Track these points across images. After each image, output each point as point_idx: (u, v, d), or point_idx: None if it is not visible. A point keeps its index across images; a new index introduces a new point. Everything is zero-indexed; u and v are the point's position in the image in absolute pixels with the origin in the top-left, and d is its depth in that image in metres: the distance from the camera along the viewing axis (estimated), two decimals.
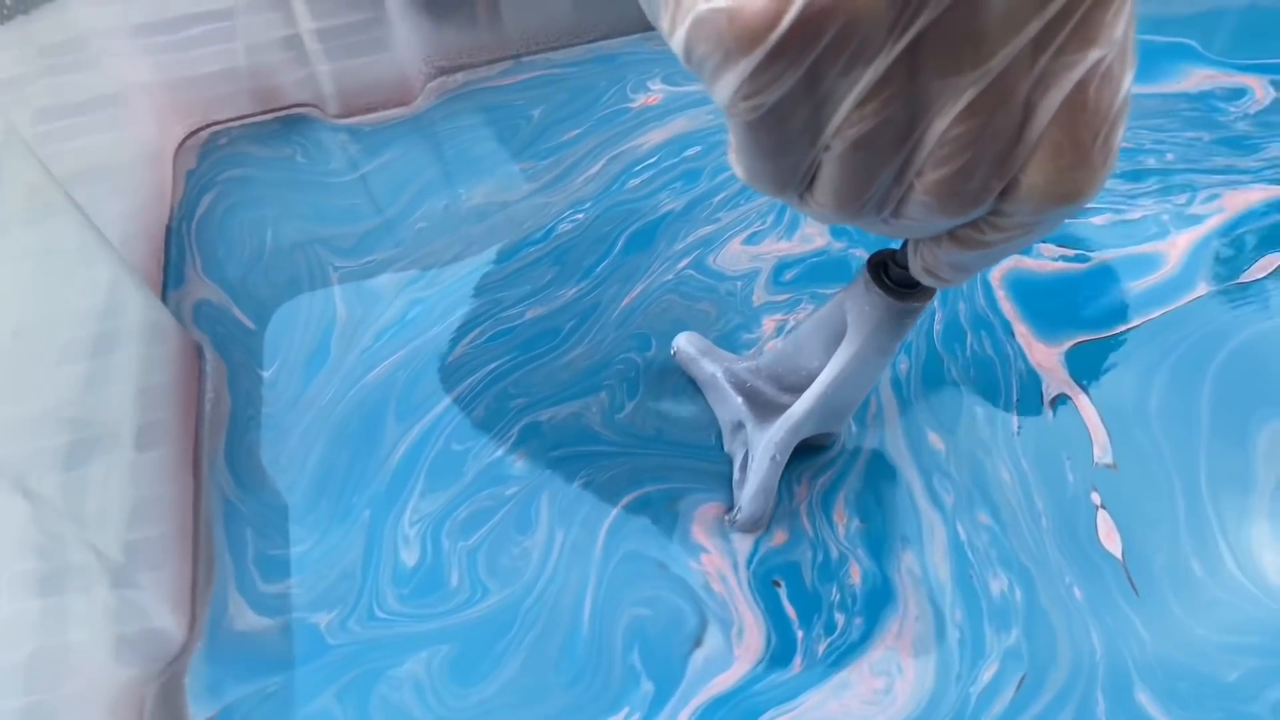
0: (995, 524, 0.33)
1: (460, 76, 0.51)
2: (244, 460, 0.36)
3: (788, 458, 0.33)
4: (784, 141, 0.21)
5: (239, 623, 0.32)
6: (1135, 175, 0.43)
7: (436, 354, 0.39)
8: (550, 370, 0.38)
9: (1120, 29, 0.19)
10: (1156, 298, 0.39)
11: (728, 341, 0.38)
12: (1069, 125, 0.20)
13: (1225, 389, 0.36)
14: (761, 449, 0.33)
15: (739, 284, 0.40)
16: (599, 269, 0.41)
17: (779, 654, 0.31)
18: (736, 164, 0.23)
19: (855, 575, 0.33)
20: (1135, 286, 0.39)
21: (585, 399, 0.38)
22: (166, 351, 0.38)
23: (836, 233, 0.42)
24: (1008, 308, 0.39)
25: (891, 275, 0.29)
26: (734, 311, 0.40)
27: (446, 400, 0.38)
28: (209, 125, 0.49)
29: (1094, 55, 0.19)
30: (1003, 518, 0.33)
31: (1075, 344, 0.38)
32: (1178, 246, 0.40)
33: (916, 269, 0.26)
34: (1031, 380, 0.37)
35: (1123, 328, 0.38)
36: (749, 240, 0.42)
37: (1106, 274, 0.40)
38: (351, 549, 0.34)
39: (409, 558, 0.34)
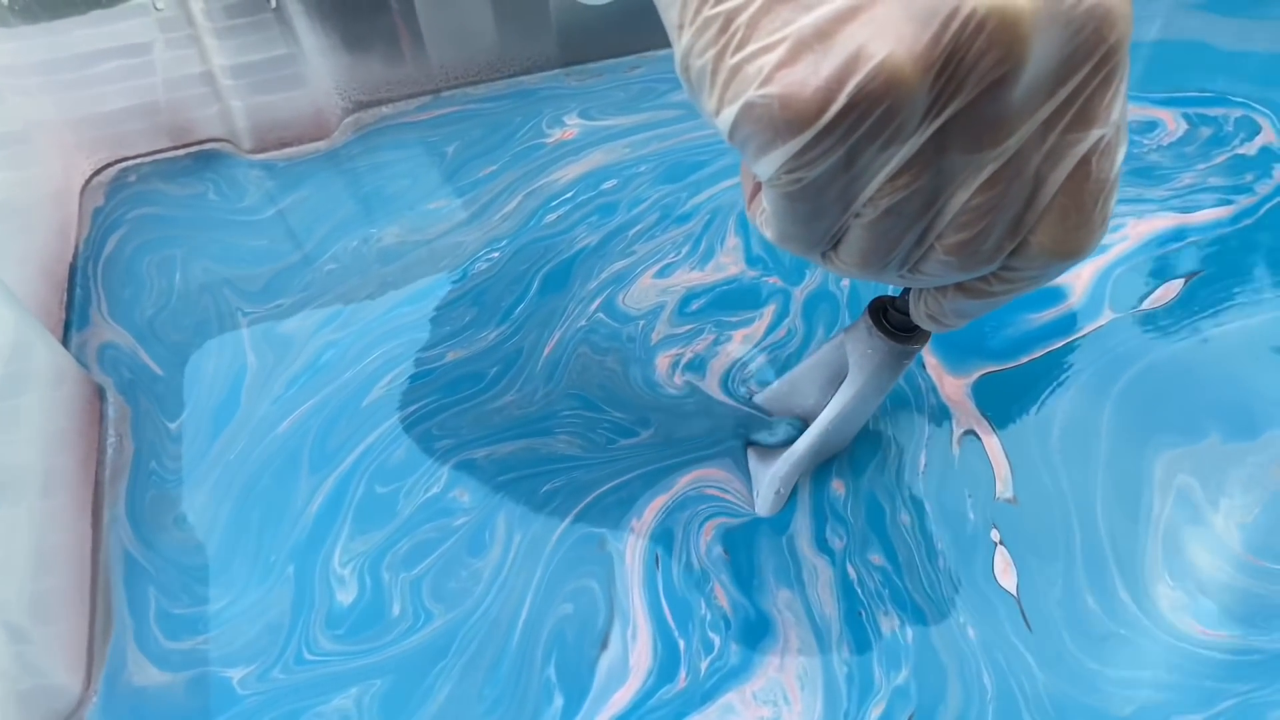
0: (889, 565, 0.34)
1: (378, 111, 0.51)
2: (147, 516, 0.36)
3: (790, 488, 0.35)
4: (819, 209, 0.23)
5: (139, 678, 0.32)
6: None
7: (352, 398, 0.38)
8: (481, 414, 0.38)
9: (1116, 111, 0.22)
10: (1062, 327, 0.40)
11: (634, 394, 0.38)
12: (1074, 193, 0.23)
13: (1125, 417, 0.37)
14: (766, 484, 0.35)
15: (641, 324, 0.40)
16: (517, 311, 0.41)
17: (665, 665, 0.32)
18: (766, 227, 0.26)
19: (721, 598, 0.33)
20: (1042, 316, 0.40)
21: (530, 439, 0.38)
22: (66, 395, 0.37)
23: (751, 261, 0.43)
24: None
25: (891, 320, 0.31)
26: (633, 361, 0.40)
27: (363, 445, 0.37)
28: (118, 161, 0.48)
29: (1095, 134, 0.22)
30: (898, 559, 0.34)
31: (982, 375, 0.39)
32: (1083, 276, 0.41)
33: (919, 316, 0.28)
34: (942, 414, 0.37)
35: (1027, 358, 0.39)
36: (661, 272, 0.42)
37: (1014, 304, 0.41)
38: (276, 604, 0.33)
39: (345, 597, 0.33)
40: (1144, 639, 0.32)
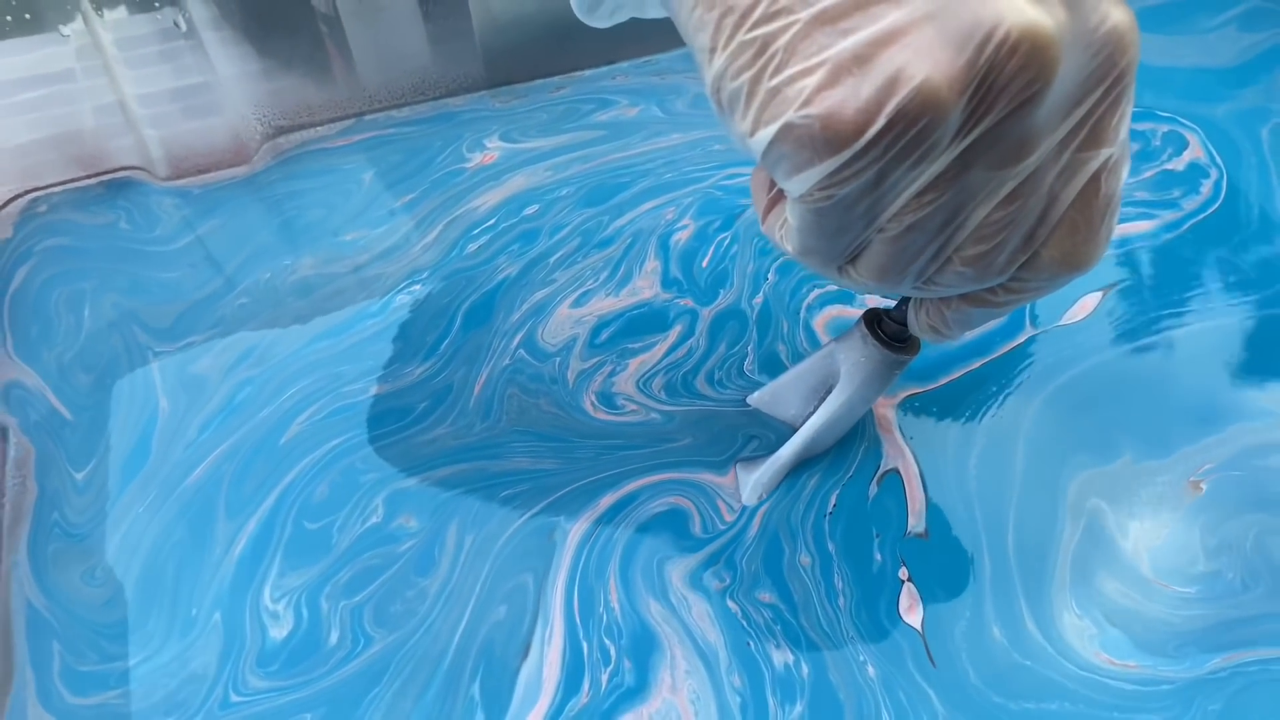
0: (783, 604, 0.33)
1: (299, 136, 0.50)
2: (50, 569, 0.35)
3: (773, 490, 0.36)
4: (844, 225, 0.24)
5: None
6: None
7: (268, 437, 0.38)
8: (409, 446, 0.38)
9: (1124, 131, 0.23)
10: (982, 345, 0.40)
11: (580, 426, 0.38)
12: (1083, 208, 0.24)
13: (1042, 438, 0.37)
14: (750, 489, 0.36)
15: (557, 361, 0.40)
16: (442, 346, 0.41)
17: (571, 676, 0.32)
18: (787, 241, 0.27)
19: (615, 601, 0.34)
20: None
21: (480, 461, 0.37)
22: None
23: (666, 284, 0.43)
24: None
25: (885, 330, 0.33)
26: (564, 404, 0.39)
27: (283, 484, 0.37)
28: (28, 192, 0.47)
29: (1105, 152, 0.23)
30: (793, 599, 0.34)
31: (906, 396, 0.39)
32: None
33: (920, 326, 0.30)
34: (874, 446, 0.37)
35: (947, 378, 0.39)
36: (577, 302, 0.42)
37: None
38: (201, 654, 0.33)
39: (279, 631, 0.33)
40: (1050, 670, 0.32)
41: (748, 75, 0.22)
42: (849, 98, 0.21)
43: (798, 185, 0.23)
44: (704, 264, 0.43)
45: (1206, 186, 0.46)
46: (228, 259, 0.44)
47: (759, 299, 0.41)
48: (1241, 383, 0.38)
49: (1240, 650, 0.32)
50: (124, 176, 0.48)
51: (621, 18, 0.28)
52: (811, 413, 0.35)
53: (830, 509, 0.36)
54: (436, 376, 0.40)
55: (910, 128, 0.21)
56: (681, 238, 0.44)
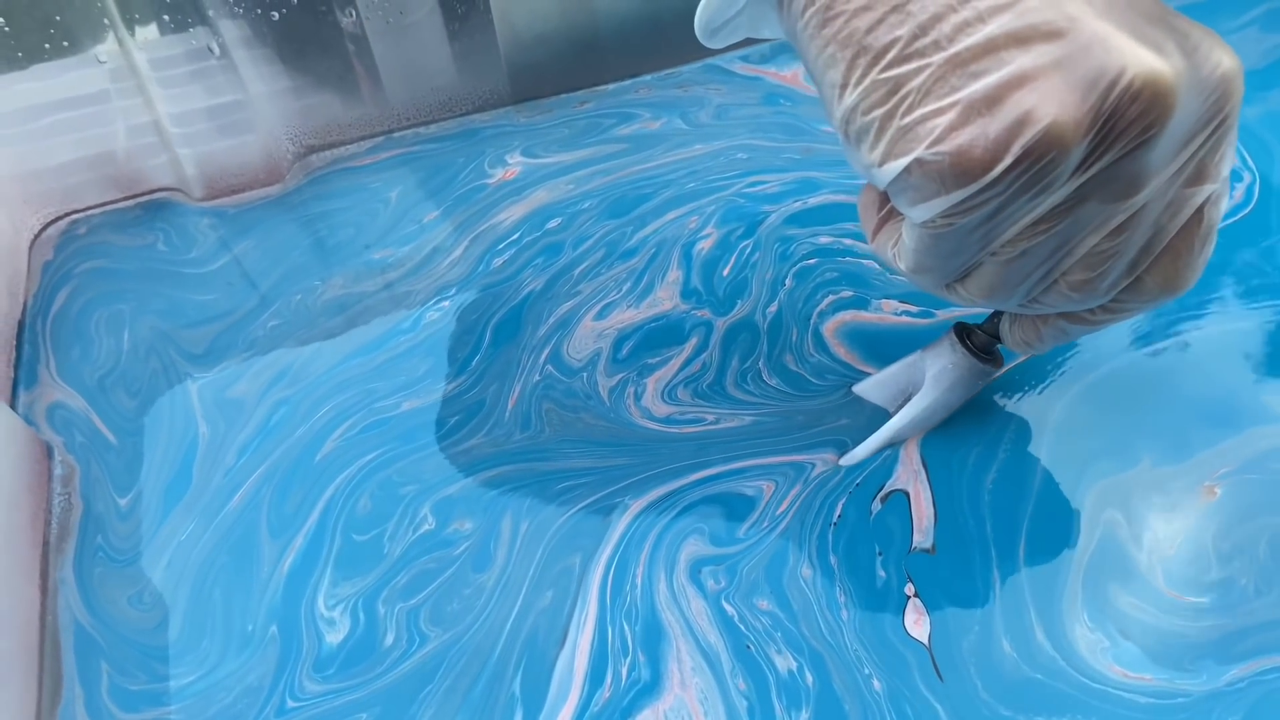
0: (781, 611, 0.34)
1: (329, 154, 0.51)
2: (97, 590, 0.36)
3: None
4: (959, 248, 0.26)
5: None
6: None
7: (304, 456, 0.39)
8: (443, 459, 0.39)
9: (1225, 169, 0.25)
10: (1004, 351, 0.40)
11: (638, 432, 0.39)
12: (1186, 237, 0.26)
13: (1061, 446, 0.37)
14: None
15: (584, 377, 0.41)
16: (473, 363, 0.42)
17: (597, 668, 0.33)
18: (902, 259, 0.28)
19: (640, 580, 0.35)
20: None
21: (529, 463, 0.38)
22: (14, 454, 0.37)
23: (686, 294, 0.43)
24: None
25: (975, 341, 0.35)
26: (605, 418, 0.40)
27: (324, 501, 0.38)
28: (67, 214, 0.49)
29: (1209, 188, 0.25)
30: (792, 608, 0.34)
31: None
32: None
33: (1014, 341, 0.32)
34: (892, 460, 0.38)
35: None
36: (600, 314, 0.43)
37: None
38: (260, 664, 0.34)
39: (335, 636, 0.34)
40: (1061, 683, 0.31)
41: (879, 112, 0.24)
42: (979, 136, 0.23)
43: (921, 213, 0.25)
44: (725, 273, 0.44)
45: (1239, 191, 0.45)
46: (262, 279, 0.45)
47: (774, 307, 0.42)
48: (1262, 385, 0.38)
49: (1257, 659, 0.32)
50: (161, 198, 0.49)
51: (735, 39, 0.30)
52: (892, 415, 0.37)
53: (835, 518, 0.36)
54: (469, 392, 0.41)
55: (1035, 164, 0.23)
56: (704, 247, 0.45)
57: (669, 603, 0.34)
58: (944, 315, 0.41)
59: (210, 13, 0.45)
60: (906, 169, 0.24)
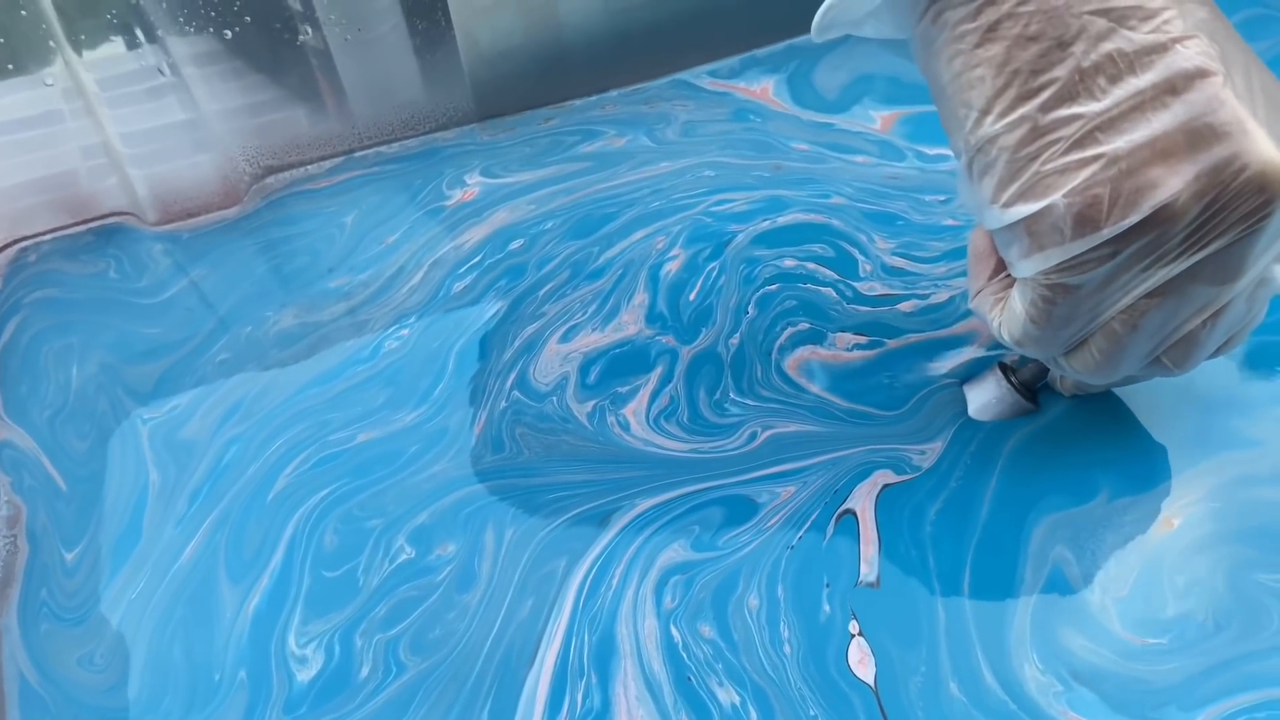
0: (723, 640, 0.32)
1: (287, 175, 0.50)
2: (44, 649, 0.34)
3: None
4: (1071, 316, 0.27)
5: None
6: (958, 253, 0.43)
7: (256, 496, 0.38)
8: (406, 489, 0.37)
9: None
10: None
11: (616, 461, 0.38)
12: (1263, 304, 0.28)
13: (1013, 478, 0.36)
14: None
15: (554, 401, 0.40)
16: (436, 392, 0.41)
17: (556, 692, 0.32)
18: (1008, 328, 0.29)
19: (614, 586, 0.34)
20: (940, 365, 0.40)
21: (493, 481, 0.37)
22: None
23: (650, 319, 0.42)
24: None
25: (1020, 378, 0.35)
26: (589, 439, 0.39)
27: (284, 541, 0.36)
28: (16, 241, 0.47)
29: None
30: (733, 638, 0.32)
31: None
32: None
33: (1062, 386, 0.34)
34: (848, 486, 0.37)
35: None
36: (565, 337, 0.42)
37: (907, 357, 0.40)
38: (228, 715, 0.32)
39: (306, 674, 0.33)
40: None
41: (1022, 151, 0.25)
42: (1109, 194, 0.24)
43: (1036, 264, 0.26)
44: (691, 297, 0.43)
45: None
46: (214, 309, 0.44)
47: (736, 339, 0.41)
48: (1229, 411, 0.37)
49: (1221, 701, 0.30)
50: (113, 222, 0.48)
51: (837, 35, 0.29)
52: None
53: (795, 541, 0.35)
54: (430, 420, 0.40)
55: (1150, 232, 0.24)
56: (671, 269, 0.44)
57: (629, 614, 0.33)
58: (893, 344, 0.40)
59: (160, 31, 0.44)
60: (1037, 214, 0.25)
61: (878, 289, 0.42)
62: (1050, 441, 0.37)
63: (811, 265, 0.43)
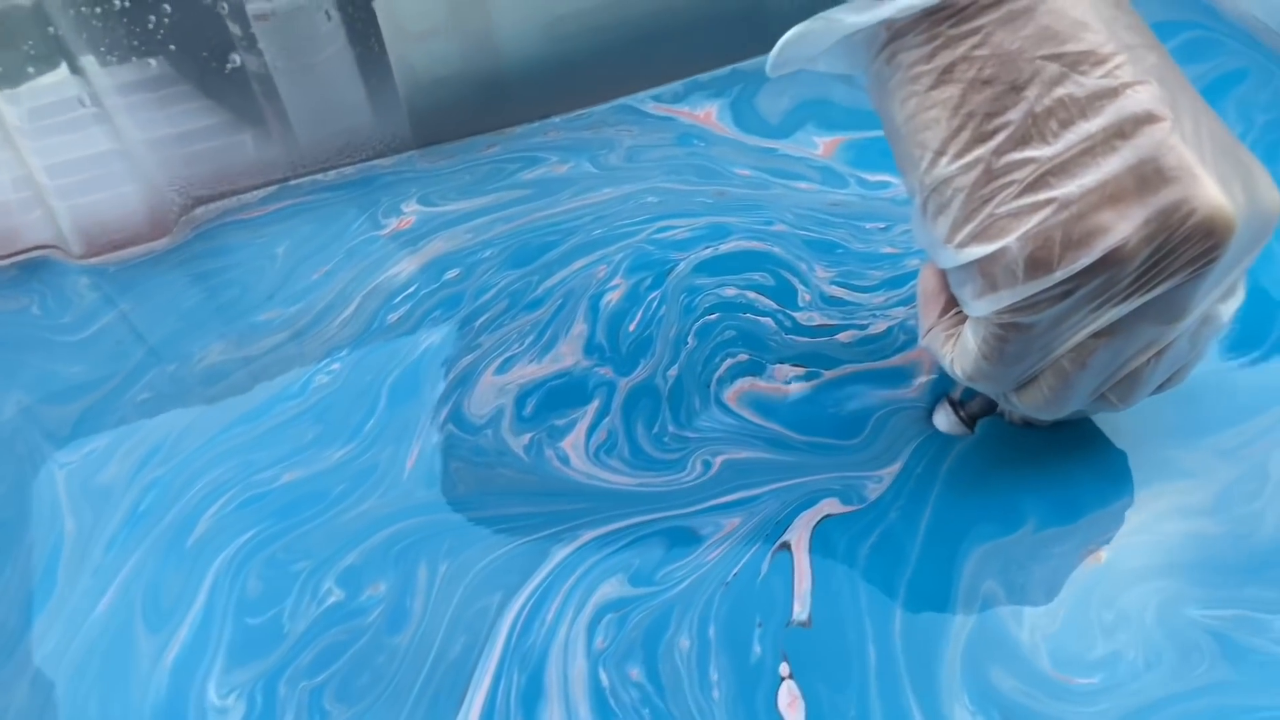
0: (650, 685, 0.31)
1: (219, 205, 0.49)
2: None
3: None
4: (1022, 353, 0.28)
5: None
6: (896, 282, 0.42)
7: (175, 542, 0.36)
8: (333, 529, 0.36)
9: (1243, 281, 0.28)
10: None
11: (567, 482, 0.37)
12: (1208, 343, 0.29)
13: (949, 503, 0.35)
14: None
15: (490, 434, 0.39)
16: (366, 427, 0.39)
17: None
18: (959, 364, 0.30)
19: (549, 619, 0.33)
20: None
21: (425, 517, 0.36)
22: None
23: (588, 351, 0.41)
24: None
25: (967, 410, 0.36)
26: (528, 470, 0.38)
27: (205, 588, 0.35)
28: None
29: (1234, 304, 0.28)
30: (661, 681, 0.31)
31: None
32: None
33: (1012, 419, 0.35)
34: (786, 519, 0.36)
35: (862, 435, 0.38)
36: (501, 368, 0.41)
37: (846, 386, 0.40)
38: None
39: None
40: None
41: (978, 193, 0.25)
42: (1062, 237, 0.24)
43: (989, 304, 0.26)
44: (631, 328, 0.42)
45: None
46: (138, 345, 0.43)
47: (674, 370, 0.40)
48: (1161, 443, 0.36)
49: None
50: (38, 256, 0.47)
51: (791, 70, 0.29)
52: None
53: (731, 576, 0.34)
54: (360, 457, 0.38)
55: (1101, 273, 0.25)
56: (612, 299, 0.43)
57: (559, 654, 0.32)
58: (829, 374, 0.40)
59: (81, 62, 0.43)
60: (990, 256, 0.25)
61: (816, 319, 0.41)
62: (984, 467, 0.36)
63: (752, 294, 0.42)
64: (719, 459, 0.38)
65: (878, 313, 0.41)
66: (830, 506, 0.36)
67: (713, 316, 0.42)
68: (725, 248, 0.45)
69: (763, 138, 0.50)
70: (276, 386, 0.41)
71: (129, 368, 0.42)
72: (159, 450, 0.39)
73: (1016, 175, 0.25)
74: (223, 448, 0.39)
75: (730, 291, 0.43)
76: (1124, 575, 0.33)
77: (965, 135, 0.25)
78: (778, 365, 0.40)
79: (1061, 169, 0.25)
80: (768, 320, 0.42)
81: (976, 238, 0.26)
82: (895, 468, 0.37)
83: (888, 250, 0.44)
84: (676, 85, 0.54)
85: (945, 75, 0.25)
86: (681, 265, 0.44)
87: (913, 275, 0.42)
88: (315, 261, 0.46)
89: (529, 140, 0.52)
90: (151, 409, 0.41)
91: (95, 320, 0.44)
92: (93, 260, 0.47)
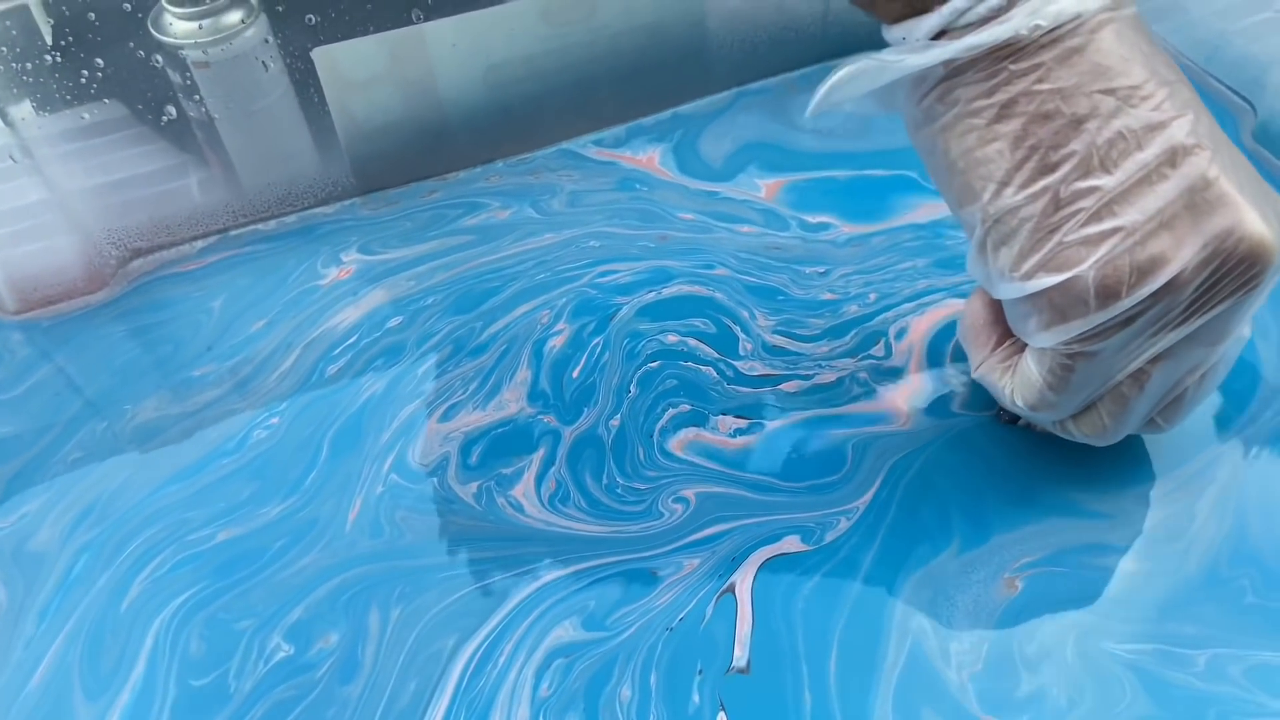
0: None
1: (157, 257, 0.48)
2: None
3: None
4: (1087, 381, 0.29)
5: None
6: (838, 331, 0.42)
7: (109, 606, 0.35)
8: (274, 585, 0.36)
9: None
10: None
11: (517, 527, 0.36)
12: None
13: (898, 529, 0.35)
14: None
15: (435, 482, 0.38)
16: (307, 481, 0.39)
17: None
18: (1021, 394, 0.31)
19: (500, 664, 0.33)
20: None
21: (373, 565, 0.36)
22: None
23: (532, 398, 0.41)
24: None
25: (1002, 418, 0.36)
26: (479, 518, 0.37)
27: (144, 653, 0.34)
28: None
29: (1245, 334, 0.30)
30: None
31: None
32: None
33: (1054, 429, 0.33)
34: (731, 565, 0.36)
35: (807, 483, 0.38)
36: (445, 416, 0.41)
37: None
38: None
39: None
40: None
41: (1043, 223, 0.26)
42: (1130, 265, 0.26)
43: (1058, 335, 0.27)
44: (575, 374, 0.42)
45: None
46: (70, 403, 0.42)
47: (616, 420, 0.40)
48: (1066, 477, 0.36)
49: None
50: None
51: (829, 110, 0.30)
52: None
53: (676, 622, 0.33)
54: (299, 512, 0.38)
55: (1162, 299, 0.26)
56: (556, 344, 0.43)
57: (506, 701, 0.32)
58: (772, 425, 0.40)
59: (11, 114, 0.42)
60: (1060, 285, 0.26)
61: (759, 369, 0.41)
62: (936, 476, 0.37)
63: (693, 341, 0.42)
64: (682, 501, 0.38)
65: (823, 363, 0.41)
66: (789, 545, 0.36)
67: (655, 364, 0.42)
68: (668, 291, 0.45)
69: (705, 181, 0.51)
70: (213, 442, 0.40)
71: (60, 427, 0.41)
72: (92, 511, 0.38)
73: (1083, 204, 0.26)
74: (157, 507, 0.38)
75: (672, 338, 0.43)
76: (1042, 606, 0.33)
77: (1030, 166, 0.26)
78: (720, 416, 0.40)
79: (1123, 197, 0.26)
80: (709, 370, 0.42)
81: (1045, 267, 0.27)
82: (863, 500, 0.37)
83: (827, 296, 0.44)
84: (618, 129, 0.54)
85: (1006, 109, 0.26)
86: (624, 310, 0.44)
87: (853, 324, 0.42)
88: (254, 313, 0.45)
89: (471, 186, 0.52)
90: (85, 468, 0.40)
91: (28, 377, 0.43)
92: (26, 315, 0.46)
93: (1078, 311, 0.27)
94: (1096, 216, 0.26)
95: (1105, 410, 0.30)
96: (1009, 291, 0.28)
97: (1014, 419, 0.37)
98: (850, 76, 0.28)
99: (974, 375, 0.33)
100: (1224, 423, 0.38)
